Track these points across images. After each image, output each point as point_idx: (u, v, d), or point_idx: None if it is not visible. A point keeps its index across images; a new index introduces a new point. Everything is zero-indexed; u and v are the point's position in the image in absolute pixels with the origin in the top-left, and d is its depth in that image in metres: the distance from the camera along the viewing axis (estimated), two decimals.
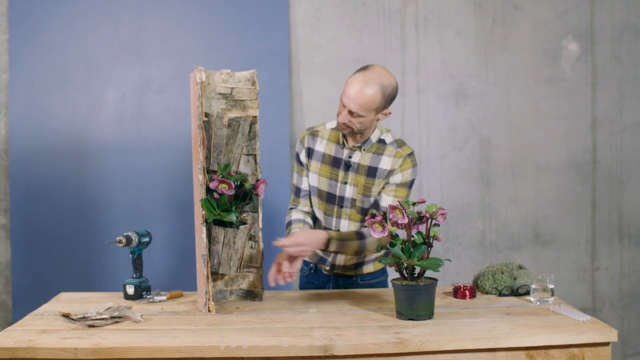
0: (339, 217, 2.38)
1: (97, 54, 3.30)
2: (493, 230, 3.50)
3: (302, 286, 2.56)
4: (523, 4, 3.45)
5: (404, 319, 1.97)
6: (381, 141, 2.34)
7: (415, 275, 2.00)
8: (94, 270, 3.29)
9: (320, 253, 2.41)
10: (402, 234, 2.02)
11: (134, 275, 2.30)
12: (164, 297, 2.27)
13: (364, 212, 2.35)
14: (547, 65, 3.48)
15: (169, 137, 3.31)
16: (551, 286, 2.15)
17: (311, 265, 2.51)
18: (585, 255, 3.54)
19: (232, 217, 2.14)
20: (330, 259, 2.44)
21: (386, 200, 2.30)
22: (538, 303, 2.14)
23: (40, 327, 1.95)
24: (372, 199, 2.34)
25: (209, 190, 2.15)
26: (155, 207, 3.31)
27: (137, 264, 2.31)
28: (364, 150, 2.33)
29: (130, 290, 2.26)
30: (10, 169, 3.27)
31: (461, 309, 2.10)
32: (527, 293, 2.21)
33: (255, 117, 2.25)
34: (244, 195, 2.20)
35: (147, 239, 2.34)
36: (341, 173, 2.36)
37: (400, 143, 2.35)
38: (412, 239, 1.97)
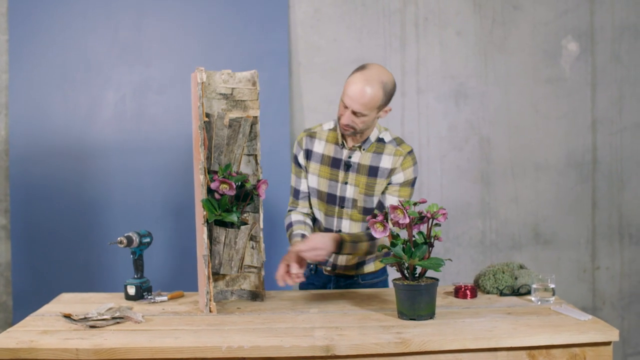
0: (340, 217, 2.38)
1: (97, 55, 3.30)
2: (493, 230, 3.50)
3: (303, 287, 2.56)
4: (523, 4, 3.45)
5: (405, 319, 1.97)
6: (380, 140, 2.35)
7: (417, 275, 2.00)
8: (94, 270, 3.29)
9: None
10: (403, 234, 2.02)
11: (135, 276, 2.30)
12: (165, 298, 2.27)
13: (365, 211, 2.35)
14: (546, 66, 3.48)
15: (169, 137, 3.31)
16: (552, 286, 2.15)
17: (311, 266, 2.51)
18: (585, 255, 3.55)
19: (233, 218, 2.14)
20: (331, 259, 2.44)
21: (391, 201, 2.31)
22: (539, 303, 2.14)
23: (42, 327, 1.95)
24: (374, 198, 2.35)
25: (210, 191, 2.15)
26: (155, 208, 3.31)
27: (138, 265, 2.31)
28: (363, 149, 2.34)
29: (132, 290, 2.26)
30: (10, 170, 3.27)
31: (462, 308, 2.10)
32: (528, 293, 2.22)
33: (256, 117, 2.25)
34: (245, 196, 2.20)
35: (148, 240, 2.34)
36: (341, 173, 2.36)
37: (399, 141, 2.36)
38: (414, 238, 1.97)
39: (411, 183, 2.35)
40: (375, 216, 2.00)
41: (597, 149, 3.52)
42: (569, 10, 3.47)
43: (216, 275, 2.27)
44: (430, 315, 1.97)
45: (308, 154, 2.40)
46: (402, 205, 1.93)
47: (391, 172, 2.33)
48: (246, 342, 1.78)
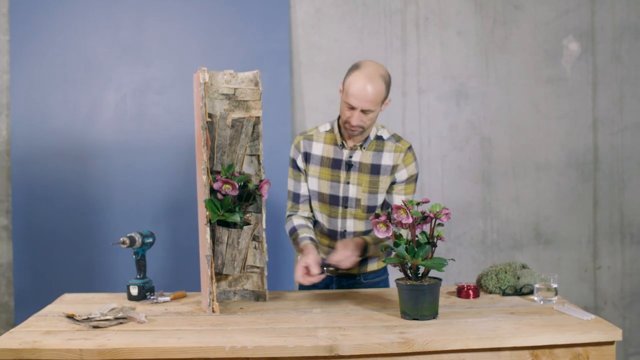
0: (344, 217, 2.38)
1: (98, 55, 3.29)
2: (494, 230, 3.50)
3: (305, 288, 2.55)
4: (524, 4, 3.46)
5: (408, 319, 1.97)
6: (379, 138, 2.37)
7: (420, 275, 2.00)
8: (96, 271, 3.29)
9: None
10: (405, 234, 2.02)
11: (138, 276, 2.30)
12: (167, 298, 2.27)
13: (369, 210, 2.37)
14: (547, 65, 3.48)
15: (170, 137, 3.31)
16: (555, 285, 2.15)
17: None
18: (586, 255, 3.55)
19: (236, 218, 2.13)
20: None
21: (398, 200, 2.34)
22: (542, 302, 2.14)
23: (45, 328, 1.94)
24: (378, 196, 2.36)
25: (212, 191, 2.15)
26: (156, 208, 3.31)
27: (141, 265, 2.31)
28: (364, 148, 2.35)
29: (134, 291, 2.26)
30: (11, 170, 3.27)
31: (465, 308, 2.10)
32: (531, 292, 2.22)
33: (258, 117, 2.25)
34: (248, 196, 2.20)
35: (150, 240, 2.34)
36: (343, 174, 2.36)
37: (397, 137, 2.39)
38: (417, 238, 1.97)
39: (414, 179, 2.38)
40: (378, 216, 2.00)
41: (598, 148, 3.52)
42: (569, 10, 3.47)
43: (219, 276, 2.27)
44: (433, 315, 1.98)
45: (307, 157, 2.40)
46: (405, 205, 1.94)
47: (393, 168, 2.34)
48: (249, 342, 1.78)
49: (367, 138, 2.34)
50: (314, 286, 2.51)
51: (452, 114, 3.46)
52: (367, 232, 2.41)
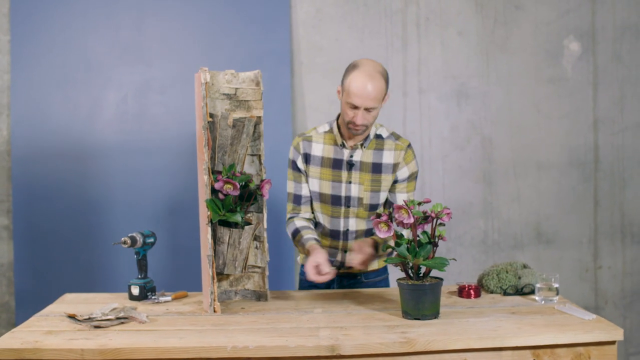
0: (346, 217, 2.39)
1: (98, 55, 3.29)
2: (495, 230, 3.50)
3: (306, 289, 2.55)
4: (524, 4, 3.46)
5: (409, 319, 1.97)
6: (378, 136, 2.39)
7: (421, 274, 2.00)
8: (97, 271, 3.29)
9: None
10: (407, 234, 2.02)
11: (139, 276, 2.30)
12: (168, 298, 2.27)
13: (371, 208, 2.38)
14: (548, 65, 3.48)
15: (171, 137, 3.31)
16: (556, 285, 2.15)
17: None
18: (587, 254, 3.55)
19: (237, 218, 2.13)
20: (339, 258, 2.45)
21: (401, 198, 2.37)
22: (543, 302, 2.14)
23: (46, 328, 1.94)
24: (380, 194, 2.37)
25: (214, 191, 2.15)
26: (157, 208, 3.31)
27: (142, 265, 2.31)
28: (364, 147, 2.36)
29: (135, 291, 2.26)
30: (12, 170, 3.27)
31: (466, 308, 2.10)
32: (532, 292, 2.22)
33: (259, 117, 2.25)
34: (249, 196, 2.20)
35: (152, 240, 2.34)
36: (344, 173, 2.37)
37: (396, 136, 2.41)
38: (418, 238, 1.97)
39: (415, 176, 2.41)
40: (379, 216, 2.00)
41: (598, 148, 3.52)
42: (570, 10, 3.47)
43: (220, 275, 2.27)
44: (435, 314, 1.98)
45: (307, 158, 2.40)
46: (407, 205, 1.94)
47: (395, 166, 2.36)
48: (251, 342, 1.78)
49: (367, 137, 2.35)
50: (315, 286, 2.51)
51: (453, 114, 3.47)
52: (369, 231, 2.42)
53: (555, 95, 3.50)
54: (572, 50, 3.49)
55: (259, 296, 2.28)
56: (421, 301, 1.95)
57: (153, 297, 2.27)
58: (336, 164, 2.37)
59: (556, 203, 3.52)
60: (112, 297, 2.34)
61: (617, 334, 1.83)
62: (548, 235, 3.53)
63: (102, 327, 1.94)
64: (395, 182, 2.38)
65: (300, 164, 2.41)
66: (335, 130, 2.38)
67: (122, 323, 1.98)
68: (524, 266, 2.34)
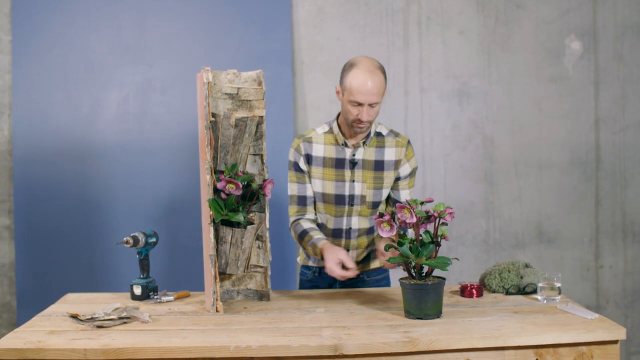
0: (349, 215, 2.40)
1: (100, 55, 3.29)
2: (497, 229, 3.50)
3: (307, 289, 2.55)
4: (526, 3, 3.46)
5: (412, 318, 1.97)
6: (378, 134, 2.40)
7: (424, 274, 2.00)
8: (98, 271, 3.29)
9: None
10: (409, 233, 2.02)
11: (141, 276, 2.30)
12: (171, 298, 2.27)
13: (374, 205, 2.40)
14: (549, 64, 3.48)
15: (172, 137, 3.31)
16: (558, 284, 2.15)
17: (314, 268, 2.51)
18: (589, 254, 3.55)
19: (240, 217, 2.14)
20: None
21: (405, 195, 2.41)
22: (545, 301, 2.14)
23: (49, 328, 1.94)
24: (383, 191, 2.39)
25: (216, 191, 2.15)
26: (159, 208, 3.31)
27: (144, 265, 2.31)
28: (366, 145, 2.37)
29: (138, 290, 2.26)
30: (13, 170, 3.27)
31: (469, 307, 2.10)
32: (534, 291, 2.22)
33: (262, 117, 2.25)
34: (251, 195, 2.20)
35: (154, 240, 2.34)
36: (347, 172, 2.37)
37: (395, 133, 2.44)
38: (420, 238, 1.97)
39: (415, 172, 2.45)
40: (382, 215, 2.00)
41: (600, 147, 3.52)
42: (571, 9, 3.47)
43: (222, 275, 2.27)
44: (437, 314, 1.98)
45: (309, 159, 2.40)
46: (409, 204, 1.94)
47: (397, 163, 2.38)
48: (254, 341, 1.78)
49: (368, 135, 2.37)
50: (317, 285, 2.52)
51: (454, 113, 3.46)
52: (371, 229, 2.43)
53: (557, 94, 3.50)
54: (574, 49, 3.49)
55: (262, 296, 2.28)
56: (424, 301, 1.95)
57: (155, 297, 2.27)
58: (339, 163, 2.38)
59: (557, 202, 3.52)
60: (114, 297, 2.34)
61: (620, 333, 1.83)
62: (549, 235, 3.53)
63: (105, 327, 1.94)
64: (397, 179, 2.41)
65: (302, 164, 2.41)
66: (336, 129, 2.38)
67: (125, 323, 1.98)
68: (526, 265, 2.35)
